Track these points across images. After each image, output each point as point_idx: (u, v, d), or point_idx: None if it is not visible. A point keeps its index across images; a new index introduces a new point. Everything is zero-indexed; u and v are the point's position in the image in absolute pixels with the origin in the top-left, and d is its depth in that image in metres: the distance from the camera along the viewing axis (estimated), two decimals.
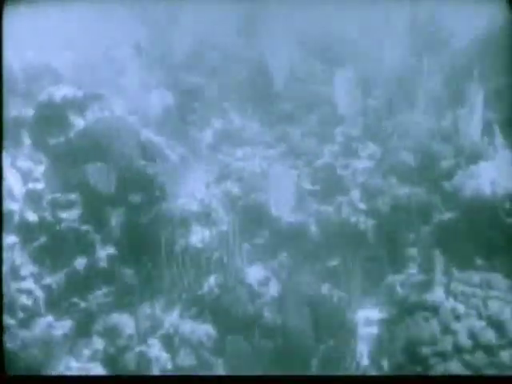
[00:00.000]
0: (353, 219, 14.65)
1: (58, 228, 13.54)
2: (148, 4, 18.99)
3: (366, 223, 14.57)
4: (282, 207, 14.89)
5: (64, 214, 13.61)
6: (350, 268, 13.48)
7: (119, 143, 14.13)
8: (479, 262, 13.27)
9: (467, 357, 10.84)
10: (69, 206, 13.73)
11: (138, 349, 12.32)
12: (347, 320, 12.65)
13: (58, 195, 13.74)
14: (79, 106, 15.04)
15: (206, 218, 14.21)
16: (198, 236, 14.00)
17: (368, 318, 12.86)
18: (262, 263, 13.63)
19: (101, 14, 19.16)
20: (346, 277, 13.38)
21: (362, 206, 14.84)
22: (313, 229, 14.77)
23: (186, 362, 12.12)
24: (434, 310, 11.55)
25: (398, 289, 12.62)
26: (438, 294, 11.78)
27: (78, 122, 14.78)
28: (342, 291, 13.28)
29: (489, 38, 18.71)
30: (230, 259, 13.11)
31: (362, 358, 12.05)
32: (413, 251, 13.89)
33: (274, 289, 12.82)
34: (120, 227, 13.83)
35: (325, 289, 13.38)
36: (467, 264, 13.12)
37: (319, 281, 13.64)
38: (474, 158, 14.41)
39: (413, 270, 13.41)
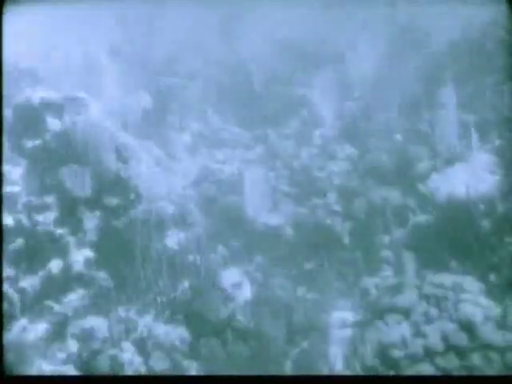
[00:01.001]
0: (328, 222, 14.60)
1: (33, 231, 13.42)
2: (128, 7, 18.94)
3: (342, 226, 14.54)
4: (259, 210, 14.87)
5: (40, 217, 13.53)
6: (325, 271, 13.46)
7: (95, 146, 14.06)
8: (454, 264, 13.29)
9: (438, 359, 10.85)
10: (44, 208, 13.65)
11: (111, 352, 12.22)
12: (321, 323, 12.62)
13: (33, 198, 13.64)
14: (57, 108, 14.94)
15: (181, 220, 14.14)
16: (174, 239, 13.94)
17: (342, 321, 12.81)
18: (237, 266, 13.55)
19: (80, 17, 19.10)
20: (321, 279, 13.37)
21: (338, 208, 14.81)
22: (288, 231, 14.70)
23: (159, 365, 12.05)
24: (406, 312, 11.56)
25: (372, 291, 12.61)
26: (410, 297, 11.80)
27: (55, 125, 14.67)
28: (317, 294, 13.25)
29: (465, 39, 18.76)
30: (203, 262, 13.05)
31: (336, 361, 11.98)
32: (388, 254, 13.88)
33: (247, 292, 12.77)
34: (96, 230, 13.76)
35: (299, 291, 13.36)
36: (442, 266, 13.16)
37: (294, 283, 13.63)
38: (450, 160, 14.46)
39: (387, 272, 13.41)
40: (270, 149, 17.32)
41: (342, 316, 13.05)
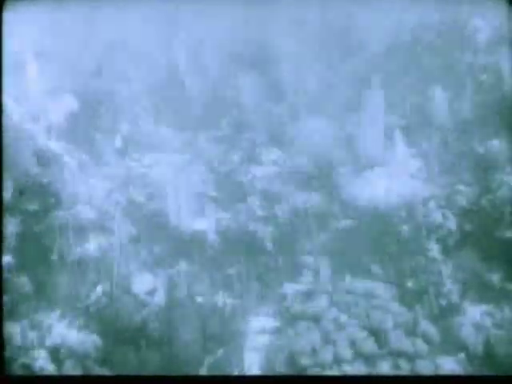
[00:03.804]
0: (251, 226, 14.50)
1: None
2: (63, 9, 18.68)
3: (265, 231, 14.43)
4: (183, 215, 14.74)
5: None
6: (246, 276, 13.37)
7: (14, 150, 13.82)
8: (373, 269, 13.28)
9: (346, 367, 10.81)
10: None
11: (23, 360, 12.04)
12: (239, 329, 12.51)
13: None
14: None
15: (102, 225, 13.97)
16: (94, 244, 13.76)
17: (260, 327, 12.72)
18: (157, 272, 13.41)
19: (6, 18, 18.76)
20: (243, 285, 13.26)
21: (261, 213, 14.71)
22: (212, 236, 14.58)
23: (72, 373, 11.88)
24: (317, 319, 11.51)
25: (289, 298, 12.54)
26: (321, 304, 11.75)
27: None
28: (238, 300, 13.13)
29: (396, 42, 18.80)
30: (121, 268, 12.89)
31: (251, 368, 11.90)
32: (309, 259, 13.80)
33: (161, 298, 12.63)
34: (16, 235, 13.53)
35: (220, 297, 13.24)
36: (361, 272, 13.13)
37: (215, 289, 13.51)
38: (372, 165, 14.42)
39: (307, 278, 13.33)
40: (198, 153, 17.18)
41: (259, 322, 12.97)
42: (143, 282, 12.88)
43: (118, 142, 17.50)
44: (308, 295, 12.05)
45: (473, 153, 14.72)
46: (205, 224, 14.79)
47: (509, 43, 15.52)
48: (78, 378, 11.73)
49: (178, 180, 14.99)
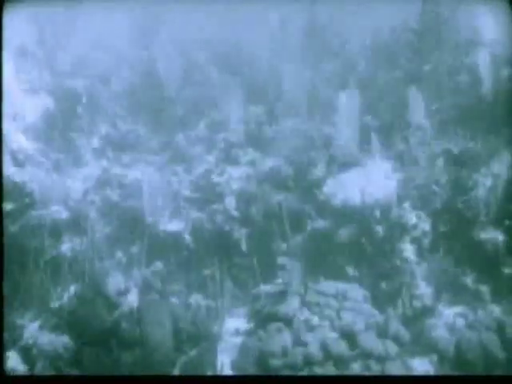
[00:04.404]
0: (227, 227, 14.49)
1: None
2: (41, 7, 18.63)
3: (240, 231, 14.43)
4: (159, 215, 14.74)
5: None
6: (221, 277, 13.35)
7: None
8: (348, 270, 13.27)
9: (317, 369, 10.79)
10: None
11: None
12: (212, 330, 12.47)
13: None
14: None
15: (77, 226, 13.94)
16: (68, 245, 13.77)
17: (233, 328, 12.72)
18: (131, 273, 13.38)
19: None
20: (217, 286, 13.23)
21: (236, 213, 14.70)
22: (187, 237, 14.57)
23: (43, 373, 11.84)
24: (288, 320, 11.48)
25: (262, 299, 12.51)
26: (293, 305, 11.72)
27: None
28: (211, 301, 13.11)
29: (375, 42, 18.86)
30: (94, 269, 12.87)
31: (223, 369, 11.86)
32: (284, 260, 13.77)
33: (134, 299, 12.58)
34: None
35: (194, 299, 13.23)
36: (337, 273, 13.14)
37: (189, 290, 13.51)
38: (347, 165, 14.43)
39: (281, 279, 13.30)
40: (176, 153, 17.18)
41: (233, 323, 12.96)
42: (116, 283, 12.81)
43: (96, 142, 17.47)
44: (280, 296, 11.98)
45: (448, 154, 14.74)
46: (180, 225, 14.80)
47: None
48: (78, 378, 11.68)
49: (154, 180, 14.97)
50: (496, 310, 12.14)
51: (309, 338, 11.04)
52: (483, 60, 16.67)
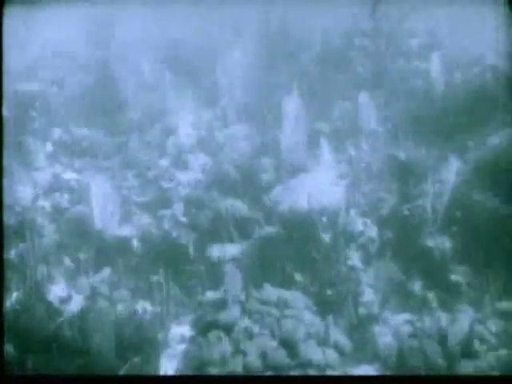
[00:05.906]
0: (174, 233, 14.44)
1: None
2: None
3: (187, 238, 14.37)
4: (108, 221, 14.63)
5: None
6: (168, 284, 13.28)
7: None
8: (296, 277, 13.24)
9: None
10: None
11: None
12: (156, 337, 12.39)
13: None
14: None
15: (24, 232, 13.81)
16: (15, 251, 13.66)
17: (177, 335, 12.66)
18: (74, 279, 13.28)
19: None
20: (164, 293, 13.16)
21: (184, 219, 14.66)
22: (136, 243, 14.49)
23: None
24: (228, 328, 11.42)
25: (205, 306, 12.44)
26: (234, 313, 11.66)
27: None
28: (157, 307, 13.04)
29: (327, 46, 18.88)
30: (36, 275, 12.76)
31: None
32: (230, 267, 13.70)
33: (77, 306, 12.49)
34: None
35: (140, 305, 13.15)
36: (282, 280, 13.09)
37: (136, 297, 13.43)
38: (295, 171, 14.43)
39: (225, 286, 13.23)
40: (128, 158, 17.10)
41: (177, 330, 12.91)
42: (60, 290, 12.73)
43: (49, 147, 17.35)
44: (222, 304, 11.92)
45: (396, 160, 14.75)
46: (129, 230, 14.71)
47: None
48: (78, 377, 11.58)
49: (104, 185, 14.87)
50: (443, 316, 12.08)
51: (248, 346, 10.93)
52: (436, 65, 16.71)
